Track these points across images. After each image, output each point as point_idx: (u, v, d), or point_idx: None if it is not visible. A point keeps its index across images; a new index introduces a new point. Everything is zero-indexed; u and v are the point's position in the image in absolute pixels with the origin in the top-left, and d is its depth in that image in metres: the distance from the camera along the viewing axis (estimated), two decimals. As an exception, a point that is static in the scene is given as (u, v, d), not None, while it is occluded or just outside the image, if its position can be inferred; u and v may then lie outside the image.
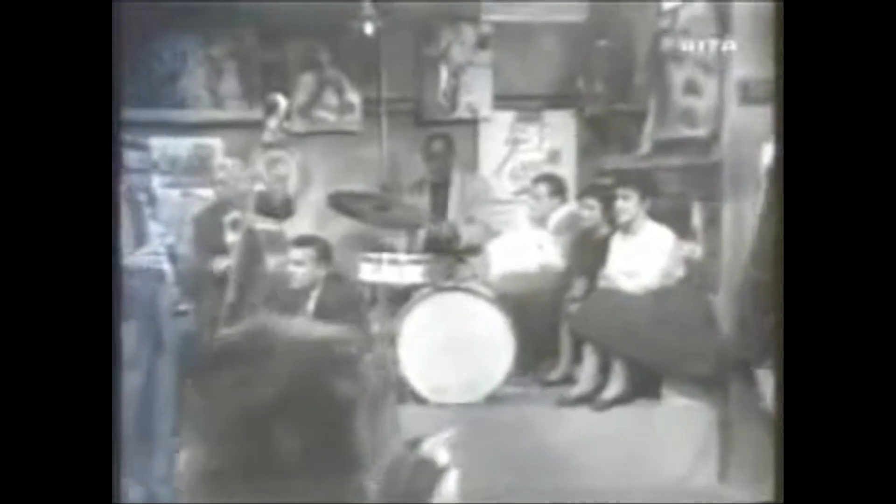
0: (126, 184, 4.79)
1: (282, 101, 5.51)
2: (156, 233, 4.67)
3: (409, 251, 5.88)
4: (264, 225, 5.55)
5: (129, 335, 4.73)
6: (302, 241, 5.06)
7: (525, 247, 5.72)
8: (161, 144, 6.71)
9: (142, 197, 4.73)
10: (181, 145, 6.73)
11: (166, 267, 4.63)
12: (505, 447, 5.10)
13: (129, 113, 6.50)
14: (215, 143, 6.68)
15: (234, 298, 5.29)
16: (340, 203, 5.62)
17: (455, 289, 5.42)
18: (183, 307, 4.66)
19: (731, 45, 5.21)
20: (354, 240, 6.26)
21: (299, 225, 6.40)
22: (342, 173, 6.81)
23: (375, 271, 5.45)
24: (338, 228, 6.35)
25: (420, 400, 5.27)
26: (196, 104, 6.70)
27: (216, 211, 5.74)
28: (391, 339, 5.29)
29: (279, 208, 5.79)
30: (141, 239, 4.71)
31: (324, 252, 5.02)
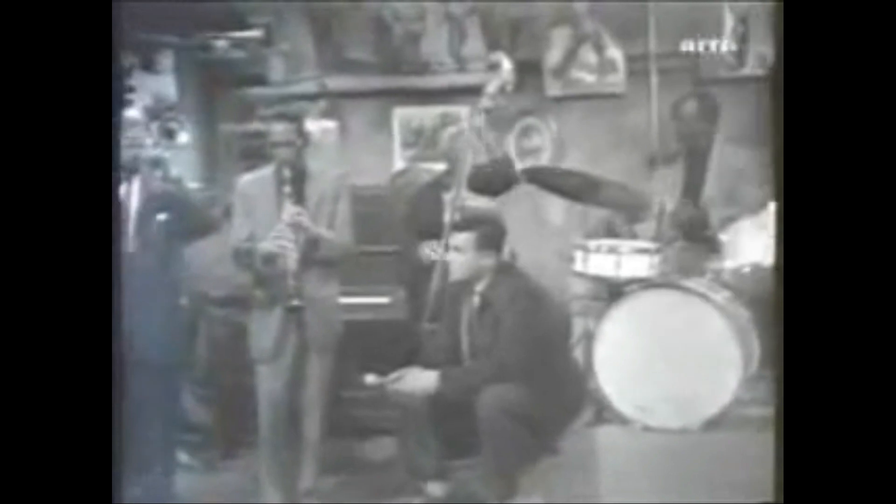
0: (277, 159, 4.28)
1: (504, 61, 4.83)
2: (292, 213, 4.08)
3: (656, 239, 4.87)
4: (478, 203, 4.81)
5: (271, 326, 4.21)
6: (461, 224, 4.20)
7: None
8: (405, 115, 6.19)
9: (286, 174, 4.16)
10: (426, 115, 6.14)
11: (292, 254, 4.04)
12: (725, 483, 4.03)
13: (366, 81, 6.06)
14: (462, 111, 5.99)
15: (438, 287, 4.62)
16: (538, 179, 4.75)
17: (670, 286, 4.36)
18: (296, 303, 4.04)
19: None
20: (605, 225, 5.33)
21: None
22: (603, 144, 5.93)
23: (586, 262, 4.54)
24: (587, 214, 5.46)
25: (622, 420, 4.31)
26: (438, 69, 6.07)
27: (437, 187, 5.07)
28: (587, 347, 4.36)
29: (498, 184, 5.00)
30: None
31: (488, 238, 4.10)
